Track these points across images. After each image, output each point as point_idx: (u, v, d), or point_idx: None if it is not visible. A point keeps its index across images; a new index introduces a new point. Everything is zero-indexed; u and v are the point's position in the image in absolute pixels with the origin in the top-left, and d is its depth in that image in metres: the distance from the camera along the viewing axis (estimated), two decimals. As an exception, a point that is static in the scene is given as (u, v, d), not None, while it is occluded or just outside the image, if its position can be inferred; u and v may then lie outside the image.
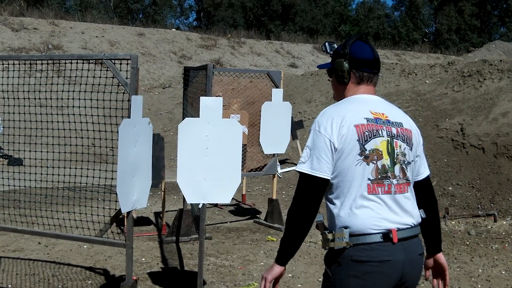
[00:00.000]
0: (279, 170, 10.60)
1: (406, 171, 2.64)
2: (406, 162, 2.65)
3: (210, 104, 4.27)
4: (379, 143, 2.57)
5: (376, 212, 2.52)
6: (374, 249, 2.49)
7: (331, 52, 2.89)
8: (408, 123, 2.73)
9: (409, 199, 2.63)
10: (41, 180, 5.55)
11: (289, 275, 5.78)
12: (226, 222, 8.16)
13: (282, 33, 36.65)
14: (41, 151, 6.19)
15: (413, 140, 2.71)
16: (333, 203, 2.58)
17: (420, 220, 2.67)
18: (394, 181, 2.58)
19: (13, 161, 11.62)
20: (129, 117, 4.07)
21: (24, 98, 5.99)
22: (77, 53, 18.34)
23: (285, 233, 2.60)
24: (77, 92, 6.56)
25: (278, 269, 2.62)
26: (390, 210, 2.55)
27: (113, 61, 4.34)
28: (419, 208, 2.69)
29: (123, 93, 4.50)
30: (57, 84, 7.47)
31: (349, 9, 52.01)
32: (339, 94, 2.79)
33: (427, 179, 2.79)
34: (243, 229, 7.77)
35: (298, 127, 11.76)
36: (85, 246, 6.58)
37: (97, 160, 7.60)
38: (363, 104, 2.66)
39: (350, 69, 2.71)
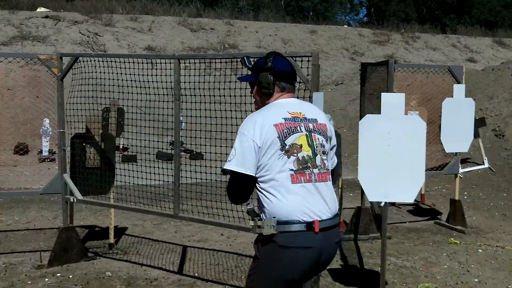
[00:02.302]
0: (460, 170, 10.22)
1: (325, 161, 3.10)
2: (325, 153, 3.12)
3: (391, 101, 4.25)
4: (298, 138, 3.01)
5: (301, 201, 2.94)
6: (298, 236, 2.91)
7: (250, 66, 3.27)
8: (322, 119, 3.20)
9: (329, 188, 3.09)
10: (222, 174, 5.86)
11: (475, 280, 5.59)
12: (405, 222, 8.07)
13: (457, 26, 35.11)
14: (220, 146, 6.55)
15: (328, 133, 3.18)
16: (263, 194, 2.98)
17: (336, 208, 3.09)
18: (316, 170, 3.03)
19: (194, 155, 12.35)
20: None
21: (203, 96, 6.35)
22: (252, 52, 19.03)
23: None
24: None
25: None
26: (312, 198, 2.97)
27: (294, 58, 4.47)
28: None
29: (304, 90, 4.61)
30: (235, 82, 7.82)
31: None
32: (263, 103, 3.19)
33: (335, 167, 3.30)
34: (424, 230, 7.63)
35: (480, 125, 11.22)
36: (267, 239, 6.86)
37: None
38: (281, 107, 3.10)
39: (274, 81, 3.14)
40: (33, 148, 11.97)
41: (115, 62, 6.07)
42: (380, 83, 6.39)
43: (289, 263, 2.92)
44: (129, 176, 6.15)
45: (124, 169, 6.18)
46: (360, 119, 4.72)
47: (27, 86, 7.16)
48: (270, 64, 3.15)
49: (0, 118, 7.03)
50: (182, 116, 6.04)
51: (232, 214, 5.19)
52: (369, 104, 6.76)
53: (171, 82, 5.63)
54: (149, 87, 6.22)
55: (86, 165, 6.14)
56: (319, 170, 3.03)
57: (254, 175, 2.94)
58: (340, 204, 7.36)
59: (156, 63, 5.58)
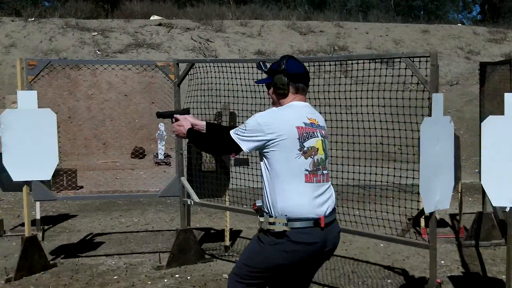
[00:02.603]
0: None
1: (328, 165, 3.41)
2: (328, 157, 3.44)
3: (515, 101, 4.06)
4: (315, 142, 3.30)
5: (311, 200, 3.21)
6: (307, 233, 3.18)
7: (266, 70, 3.56)
8: (325, 127, 3.50)
9: (330, 188, 3.40)
10: (335, 178, 5.84)
11: None
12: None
13: None
14: (330, 149, 6.51)
15: (328, 139, 3.50)
16: (275, 191, 3.23)
17: (335, 204, 3.43)
18: (325, 172, 3.34)
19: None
20: (429, 115, 4.08)
21: (313, 99, 6.34)
22: (362, 53, 18.81)
23: (197, 138, 3.64)
24: (364, 92, 6.75)
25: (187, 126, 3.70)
26: (320, 197, 3.26)
27: (411, 59, 4.38)
28: None
29: (423, 91, 4.51)
30: (345, 84, 7.75)
31: None
32: (279, 104, 3.45)
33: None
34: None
35: None
36: (381, 245, 6.79)
37: (385, 159, 7.71)
38: (301, 111, 3.36)
39: (289, 82, 3.39)
40: (149, 152, 12.48)
41: (227, 67, 6.19)
42: (502, 83, 6.12)
43: (290, 256, 3.22)
44: (242, 179, 6.26)
45: (237, 172, 6.29)
46: (480, 121, 4.55)
47: (142, 92, 7.44)
48: (283, 66, 3.42)
49: (118, 123, 7.31)
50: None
51: (343, 218, 5.14)
52: (490, 105, 6.50)
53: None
54: (259, 91, 6.30)
55: (202, 169, 6.29)
56: (326, 172, 3.38)
57: (246, 151, 3.31)
58: (460, 208, 7.14)
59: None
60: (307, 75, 3.50)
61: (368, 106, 5.84)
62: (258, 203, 3.37)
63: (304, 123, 3.29)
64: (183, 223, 6.25)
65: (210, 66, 6.28)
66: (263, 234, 3.28)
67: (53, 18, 19.73)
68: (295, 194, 3.18)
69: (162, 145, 12.65)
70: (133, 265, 6.21)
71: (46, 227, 7.95)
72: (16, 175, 5.83)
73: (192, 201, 6.09)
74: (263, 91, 6.33)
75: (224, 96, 6.73)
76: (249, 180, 6.01)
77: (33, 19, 19.09)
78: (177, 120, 3.76)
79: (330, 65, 6.17)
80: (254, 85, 6.55)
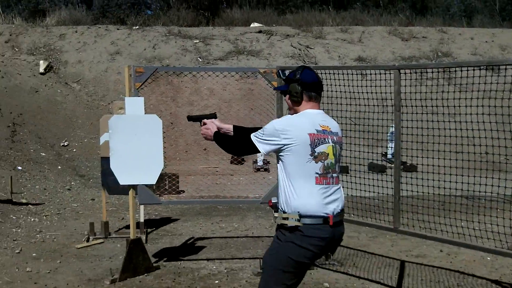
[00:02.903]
0: None
1: (339, 168, 3.77)
2: (339, 161, 3.78)
3: None
4: (326, 148, 3.64)
5: (320, 200, 3.57)
6: (318, 229, 3.54)
7: (284, 78, 3.91)
8: (340, 132, 3.82)
9: (340, 189, 3.75)
10: (438, 187, 5.73)
11: None
12: None
13: None
14: (433, 158, 6.39)
15: (342, 144, 3.83)
16: (289, 189, 3.60)
17: (344, 205, 3.76)
18: (334, 175, 3.68)
19: (408, 167, 12.16)
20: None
21: (415, 106, 6.25)
22: (467, 59, 18.27)
23: (222, 140, 3.97)
24: (469, 99, 6.59)
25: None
26: (329, 197, 3.61)
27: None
28: None
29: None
30: (447, 92, 7.59)
31: None
32: (294, 110, 3.81)
33: None
34: None
35: None
36: (488, 258, 6.59)
37: (492, 169, 7.49)
38: (314, 118, 3.70)
39: (302, 91, 3.74)
40: (248, 158, 12.64)
41: (326, 73, 6.21)
42: None
43: (306, 250, 3.55)
44: (343, 187, 6.24)
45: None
46: None
47: (242, 98, 7.59)
48: (298, 76, 3.77)
49: (220, 130, 7.45)
50: (392, 126, 6.00)
51: (447, 229, 5.04)
52: None
53: (384, 93, 5.63)
54: (359, 98, 6.29)
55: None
56: (336, 175, 3.71)
57: (263, 153, 3.68)
58: None
59: (369, 73, 5.62)
60: (320, 84, 3.83)
61: (473, 114, 5.72)
62: (273, 200, 3.78)
63: (316, 130, 3.64)
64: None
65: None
66: (280, 232, 3.65)
67: (156, 26, 20.43)
68: (306, 194, 3.57)
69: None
70: (234, 270, 6.34)
71: (149, 230, 8.26)
72: (123, 179, 6.10)
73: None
74: (362, 98, 6.34)
75: (323, 103, 6.75)
76: (348, 188, 6.01)
77: (137, 27, 19.84)
78: (204, 124, 4.13)
79: (433, 72, 6.07)
80: (353, 92, 6.56)
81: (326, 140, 3.66)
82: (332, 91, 6.17)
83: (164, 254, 6.98)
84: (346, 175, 6.44)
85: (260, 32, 19.91)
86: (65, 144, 13.88)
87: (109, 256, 7.00)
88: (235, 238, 7.81)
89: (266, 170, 12.64)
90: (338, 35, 19.88)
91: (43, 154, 12.65)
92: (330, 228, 3.57)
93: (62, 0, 27.87)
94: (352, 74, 6.13)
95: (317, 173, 3.59)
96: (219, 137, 4.00)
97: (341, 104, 6.41)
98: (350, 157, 6.68)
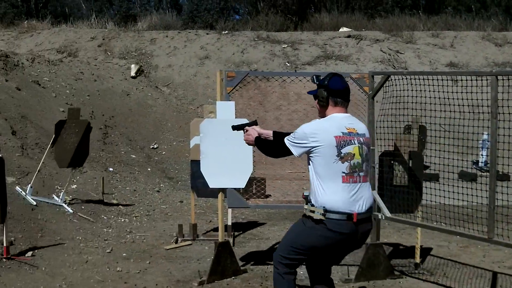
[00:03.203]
0: None
1: (367, 167, 4.14)
2: (368, 160, 4.13)
3: None
4: (352, 149, 4.00)
5: (346, 197, 3.94)
6: (340, 224, 3.91)
7: (317, 83, 4.28)
8: (367, 134, 4.23)
9: (368, 188, 4.13)
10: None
11: None
12: None
13: None
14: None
15: (370, 145, 4.22)
16: (318, 187, 3.99)
17: (372, 204, 4.15)
18: (361, 174, 4.05)
19: (500, 176, 11.79)
20: None
21: (509, 113, 6.08)
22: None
23: (262, 144, 4.46)
24: None
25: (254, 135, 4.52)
26: (355, 195, 3.97)
27: None
28: None
29: None
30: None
31: None
32: (321, 113, 4.24)
33: None
34: None
35: None
36: None
37: None
38: (340, 122, 4.10)
39: (328, 97, 4.16)
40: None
41: (416, 79, 6.14)
42: None
43: (325, 240, 3.99)
44: (434, 195, 6.16)
45: (429, 188, 6.21)
46: None
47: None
48: (326, 82, 4.19)
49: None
50: (486, 134, 5.88)
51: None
52: None
53: (477, 99, 5.52)
54: (449, 104, 6.19)
55: (393, 183, 6.30)
56: (364, 173, 4.08)
57: (296, 155, 4.11)
58: None
59: (460, 80, 5.53)
60: (347, 91, 4.24)
61: None
62: (306, 193, 4.23)
63: (342, 132, 4.03)
64: (373, 237, 6.28)
65: (399, 79, 6.28)
66: (306, 219, 4.08)
67: (245, 31, 20.72)
68: (333, 192, 3.95)
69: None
70: (319, 275, 6.37)
71: (236, 233, 8.41)
72: (213, 182, 6.25)
73: (383, 216, 6.11)
74: (456, 105, 6.23)
75: (413, 109, 6.69)
76: (441, 196, 5.92)
77: (226, 32, 20.20)
78: (247, 131, 4.58)
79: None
80: (445, 98, 6.46)
81: (352, 141, 4.04)
82: (422, 97, 6.11)
83: (251, 258, 7.09)
84: (435, 183, 6.36)
85: (349, 36, 19.82)
86: (155, 146, 14.30)
87: (197, 258, 7.18)
88: (321, 244, 7.82)
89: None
90: (429, 40, 19.52)
91: (134, 156, 13.09)
92: (353, 225, 3.94)
93: (153, 5, 28.73)
94: (443, 80, 6.04)
95: (343, 172, 3.97)
96: (260, 142, 4.46)
97: (431, 110, 6.33)
98: (441, 164, 6.57)
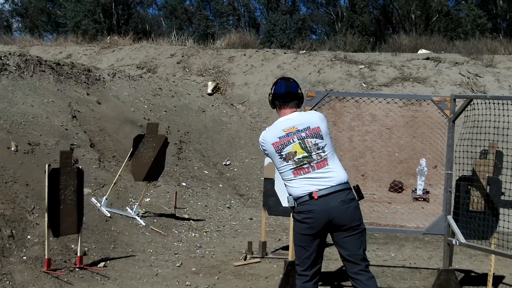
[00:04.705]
0: None
1: (321, 153, 4.52)
2: (321, 147, 4.53)
3: None
4: (291, 148, 4.52)
5: (302, 184, 4.46)
6: (305, 203, 4.44)
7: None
8: (316, 123, 4.60)
9: (330, 169, 4.50)
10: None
11: None
12: None
13: None
14: None
15: (322, 132, 4.58)
16: (284, 181, 4.64)
17: (343, 180, 4.49)
18: (314, 163, 4.49)
19: None
20: None
21: None
22: None
23: None
24: None
25: None
26: (312, 181, 4.45)
27: None
28: None
29: None
30: None
31: None
32: (278, 114, 4.80)
33: None
34: None
35: None
36: None
37: None
38: (278, 126, 4.64)
39: (273, 100, 4.80)
40: (407, 187, 12.43)
41: (495, 103, 6.02)
42: None
43: (303, 223, 4.47)
44: (509, 222, 5.99)
45: (506, 214, 6.04)
46: None
47: (405, 126, 7.53)
48: (272, 87, 4.83)
49: (378, 156, 7.47)
50: None
51: None
52: None
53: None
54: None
55: (469, 208, 6.17)
56: (318, 160, 4.49)
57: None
58: None
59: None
60: (288, 95, 4.71)
61: None
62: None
63: (279, 137, 4.57)
64: (446, 263, 6.16)
65: (480, 103, 6.16)
66: (292, 216, 4.67)
67: (322, 51, 20.77)
68: (292, 185, 4.51)
69: (422, 181, 12.50)
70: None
71: (305, 252, 8.38)
72: (286, 201, 6.30)
73: (457, 241, 5.99)
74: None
75: (488, 133, 6.54)
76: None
77: (304, 51, 20.30)
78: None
79: None
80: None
81: (291, 141, 4.53)
82: (500, 121, 5.98)
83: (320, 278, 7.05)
84: (509, 209, 6.18)
85: (427, 58, 19.54)
86: (227, 163, 14.48)
87: (266, 276, 7.20)
88: (391, 268, 7.72)
89: (425, 200, 12.33)
90: (510, 64, 19.00)
91: (206, 172, 13.29)
92: (316, 201, 4.39)
93: (232, 24, 29.21)
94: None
95: (292, 169, 4.51)
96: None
97: (508, 135, 6.18)
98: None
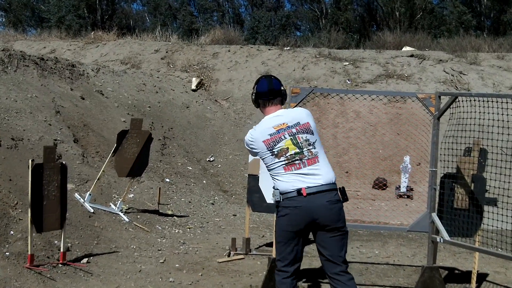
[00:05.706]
0: None
1: (312, 150, 4.55)
2: (311, 144, 4.56)
3: None
4: (283, 144, 4.52)
5: (292, 180, 4.46)
6: (292, 199, 4.43)
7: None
8: (304, 119, 4.64)
9: (320, 167, 4.53)
10: None
11: None
12: None
13: None
14: None
15: (312, 127, 4.63)
16: (272, 178, 4.62)
17: (331, 180, 4.53)
18: (305, 159, 4.50)
19: None
20: None
21: None
22: None
23: None
24: None
25: None
26: (302, 177, 4.46)
27: None
28: None
29: None
30: None
31: None
32: (262, 112, 4.83)
33: None
34: None
35: None
36: None
37: None
38: (268, 124, 4.65)
39: (256, 99, 4.81)
40: (391, 184, 12.46)
41: (479, 101, 6.04)
42: None
43: (287, 219, 4.47)
44: (494, 220, 6.01)
45: (489, 212, 6.06)
46: None
47: (389, 123, 7.54)
48: (254, 86, 4.84)
49: (362, 153, 7.48)
50: None
51: None
52: None
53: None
54: (508, 127, 6.05)
55: (454, 206, 6.18)
56: (309, 157, 4.51)
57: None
58: None
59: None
60: (271, 92, 4.72)
61: None
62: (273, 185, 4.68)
63: (270, 134, 4.58)
64: (430, 260, 6.17)
65: (464, 100, 6.17)
66: (276, 209, 4.61)
67: (306, 47, 20.77)
68: (281, 179, 4.50)
69: (406, 178, 12.55)
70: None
71: (288, 249, 8.37)
72: (270, 197, 6.29)
73: (441, 239, 6.00)
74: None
75: (474, 131, 6.57)
76: (500, 221, 5.78)
77: (288, 48, 20.28)
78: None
79: None
80: (508, 121, 6.32)
81: (283, 137, 4.55)
82: (484, 119, 6.00)
83: (303, 275, 7.04)
84: (493, 207, 6.22)
85: (412, 56, 19.60)
86: (211, 159, 14.44)
87: (249, 272, 7.19)
88: (375, 265, 7.73)
89: (409, 197, 12.37)
90: (493, 62, 19.11)
91: (190, 168, 13.24)
92: (304, 198, 4.39)
93: (216, 20, 29.14)
94: (507, 102, 5.92)
95: (283, 164, 4.51)
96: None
97: (492, 133, 6.20)
98: (500, 188, 6.43)
